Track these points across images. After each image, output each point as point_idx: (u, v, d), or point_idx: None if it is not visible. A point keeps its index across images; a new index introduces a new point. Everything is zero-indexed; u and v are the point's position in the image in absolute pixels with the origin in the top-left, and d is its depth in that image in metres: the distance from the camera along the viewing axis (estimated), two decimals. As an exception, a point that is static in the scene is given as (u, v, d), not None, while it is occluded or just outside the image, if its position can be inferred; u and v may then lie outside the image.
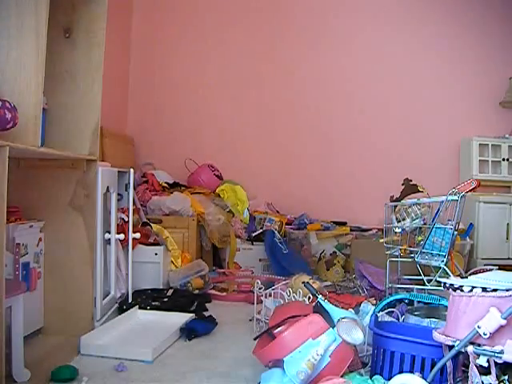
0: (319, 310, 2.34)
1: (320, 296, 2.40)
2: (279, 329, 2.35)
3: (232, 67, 6.06)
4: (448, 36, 5.78)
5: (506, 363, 1.82)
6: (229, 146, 6.01)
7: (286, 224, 5.49)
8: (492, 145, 5.56)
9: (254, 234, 5.25)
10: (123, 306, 3.52)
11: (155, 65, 6.16)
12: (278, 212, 5.75)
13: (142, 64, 6.16)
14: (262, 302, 3.35)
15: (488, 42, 5.76)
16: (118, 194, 3.67)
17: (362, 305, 3.08)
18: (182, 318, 3.33)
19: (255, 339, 2.52)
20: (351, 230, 5.39)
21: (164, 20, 6.15)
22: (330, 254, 5.15)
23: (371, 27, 5.89)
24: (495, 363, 1.84)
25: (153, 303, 3.65)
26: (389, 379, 2.15)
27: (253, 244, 5.19)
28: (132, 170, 3.79)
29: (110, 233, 3.37)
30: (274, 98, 6.00)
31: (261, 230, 5.28)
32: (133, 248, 3.81)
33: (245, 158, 5.97)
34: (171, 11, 6.14)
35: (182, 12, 6.14)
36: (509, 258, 4.98)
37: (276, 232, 5.16)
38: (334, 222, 5.52)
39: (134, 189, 4.54)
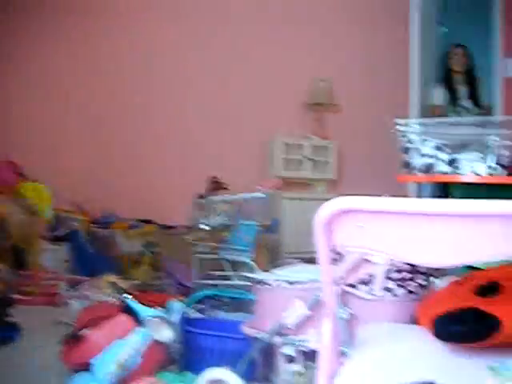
0: (127, 309, 2.30)
1: (127, 295, 2.36)
2: (86, 331, 2.27)
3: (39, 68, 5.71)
4: (255, 36, 5.94)
5: (311, 350, 1.93)
6: (38, 145, 5.66)
7: (93, 223, 5.33)
8: (296, 144, 5.84)
9: (58, 234, 5.03)
10: None
11: None
12: (84, 211, 5.56)
13: None
14: (68, 303, 3.23)
15: (294, 42, 6.04)
16: None
17: (170, 302, 3.08)
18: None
19: (62, 343, 2.41)
20: (158, 228, 5.37)
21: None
22: (138, 253, 5.09)
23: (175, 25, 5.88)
24: (301, 352, 1.94)
25: None
26: (199, 374, 2.18)
27: (57, 244, 4.97)
28: None
29: None
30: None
31: (66, 230, 5.07)
32: None
33: (52, 156, 5.67)
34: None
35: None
36: (311, 252, 5.27)
37: (81, 231, 4.99)
38: (142, 220, 5.47)
39: None
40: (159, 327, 2.17)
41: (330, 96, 5.97)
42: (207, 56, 5.90)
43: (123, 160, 5.82)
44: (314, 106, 6.03)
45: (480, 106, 5.09)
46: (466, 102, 5.06)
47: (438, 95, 5.11)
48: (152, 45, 5.75)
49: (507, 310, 1.40)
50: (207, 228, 3.61)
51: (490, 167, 2.68)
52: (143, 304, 2.41)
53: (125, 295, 2.36)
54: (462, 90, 5.10)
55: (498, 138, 2.72)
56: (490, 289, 1.52)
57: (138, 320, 2.19)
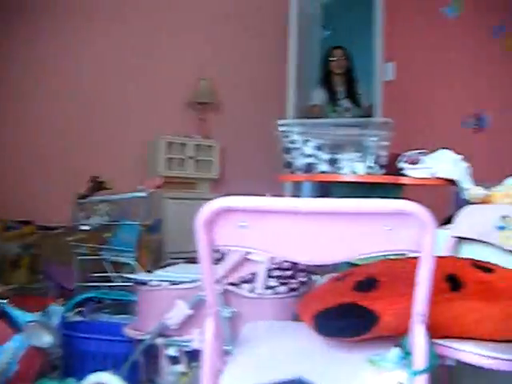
0: (3, 315, 2.20)
1: (3, 300, 2.26)
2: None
3: None
4: (139, 35, 5.84)
5: (195, 350, 1.93)
6: None
7: (-36, 225, 5.04)
8: (179, 143, 5.80)
9: None
10: None
11: None
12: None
13: None
14: None
15: (178, 42, 5.99)
16: None
17: (50, 306, 2.98)
18: None
19: None
20: (38, 229, 5.16)
21: None
22: (16, 255, 4.87)
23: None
24: (185, 352, 1.94)
25: None
26: (82, 380, 2.12)
27: None
28: None
29: None
30: None
31: None
32: None
33: None
34: None
35: None
36: (193, 251, 5.26)
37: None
38: (20, 221, 5.23)
39: None
40: (38, 332, 2.09)
41: (212, 95, 5.99)
42: (88, 54, 5.75)
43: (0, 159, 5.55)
44: (197, 106, 6.03)
45: (360, 106, 5.27)
46: (346, 102, 5.23)
47: (317, 95, 5.26)
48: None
49: (385, 305, 1.46)
50: (88, 229, 3.51)
51: (368, 167, 2.80)
52: (21, 309, 2.32)
53: (1, 300, 2.24)
54: (341, 90, 5.27)
55: (376, 139, 2.84)
56: (368, 284, 1.58)
57: (15, 326, 2.10)
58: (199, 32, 6.09)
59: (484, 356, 1.51)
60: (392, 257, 1.65)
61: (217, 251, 2.01)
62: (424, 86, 5.33)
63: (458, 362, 1.56)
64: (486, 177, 2.43)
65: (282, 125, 2.88)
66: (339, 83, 5.27)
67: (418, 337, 1.32)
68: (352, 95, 5.27)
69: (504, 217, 1.87)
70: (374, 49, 5.85)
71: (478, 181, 2.57)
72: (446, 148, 2.79)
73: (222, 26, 6.17)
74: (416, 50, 5.44)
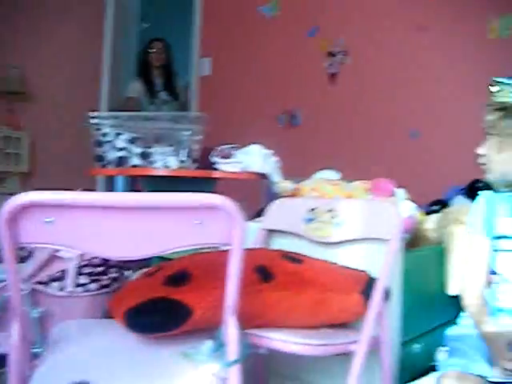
0: None
1: None
2: None
3: None
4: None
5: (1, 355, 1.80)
6: None
7: None
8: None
9: None
10: None
11: None
12: None
13: None
14: None
15: None
16: None
17: None
18: None
19: None
20: None
21: None
22: None
23: None
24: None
25: None
26: None
27: None
28: None
29: None
30: None
31: None
32: None
33: None
34: None
35: None
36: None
37: None
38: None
39: None
40: None
41: (21, 84, 5.64)
42: None
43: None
44: (5, 95, 5.63)
45: (178, 99, 5.25)
46: (164, 95, 5.18)
47: (134, 87, 5.15)
48: None
49: (197, 297, 1.45)
50: None
51: (181, 161, 2.79)
52: None
53: None
54: (160, 83, 5.21)
55: (189, 133, 2.84)
56: (180, 278, 1.57)
57: None
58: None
59: (294, 343, 1.57)
60: (206, 250, 1.66)
61: (22, 249, 1.90)
62: (240, 82, 5.43)
63: (272, 350, 1.61)
64: (299, 172, 2.53)
65: (94, 117, 2.77)
66: (158, 76, 5.22)
67: (231, 328, 1.33)
68: (170, 88, 5.23)
69: (312, 209, 1.94)
70: (192, 43, 5.89)
71: (289, 175, 2.67)
72: (259, 143, 2.86)
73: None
74: (233, 47, 5.53)
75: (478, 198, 1.70)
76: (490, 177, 1.67)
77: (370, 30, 4.51)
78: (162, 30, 6.01)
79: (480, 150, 1.68)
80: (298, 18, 5.00)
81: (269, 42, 5.21)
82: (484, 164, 1.67)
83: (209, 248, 1.52)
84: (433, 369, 1.53)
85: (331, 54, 4.80)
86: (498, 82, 1.56)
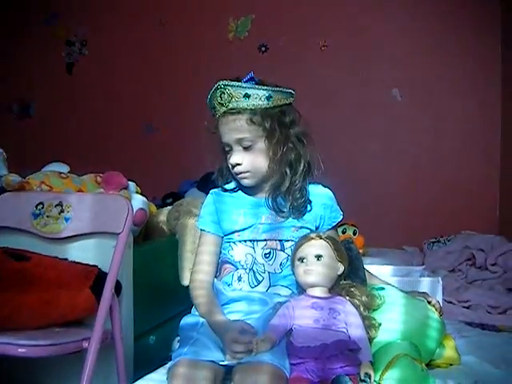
0: None
1: None
2: None
3: None
4: None
5: None
6: None
7: None
8: None
9: None
10: None
11: None
12: None
13: None
14: None
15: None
16: None
17: None
18: None
19: None
20: None
21: None
22: None
23: None
24: None
25: None
26: None
27: None
28: None
29: None
30: None
31: None
32: None
33: None
34: None
35: None
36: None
37: None
38: None
39: None
40: None
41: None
42: None
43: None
44: None
45: None
46: None
47: None
48: None
49: None
50: None
51: None
52: None
53: None
54: None
55: None
56: None
57: None
58: None
59: (21, 345, 1.48)
60: None
61: None
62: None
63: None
64: (29, 165, 2.38)
65: None
66: None
67: None
68: None
69: (39, 204, 1.85)
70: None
71: (18, 168, 2.50)
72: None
73: None
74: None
75: (208, 193, 1.75)
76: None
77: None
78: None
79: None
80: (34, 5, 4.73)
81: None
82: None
83: None
84: (169, 359, 1.55)
85: (70, 43, 4.68)
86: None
